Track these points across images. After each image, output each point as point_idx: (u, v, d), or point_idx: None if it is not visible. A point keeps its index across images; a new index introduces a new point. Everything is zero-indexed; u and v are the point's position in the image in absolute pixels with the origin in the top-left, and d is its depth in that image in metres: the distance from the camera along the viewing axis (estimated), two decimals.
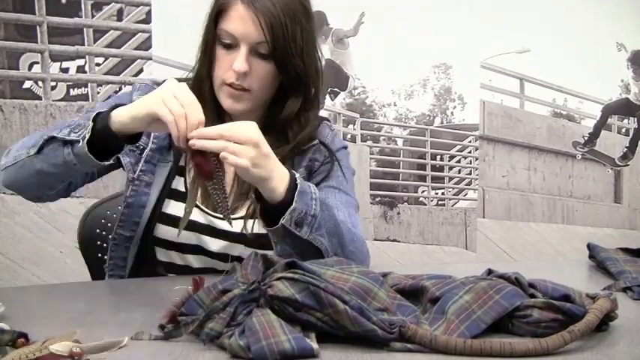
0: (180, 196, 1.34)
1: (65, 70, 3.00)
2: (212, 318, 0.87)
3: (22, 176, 1.26)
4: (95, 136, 1.12)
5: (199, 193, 1.29)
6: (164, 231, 1.33)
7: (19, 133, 2.89)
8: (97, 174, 1.33)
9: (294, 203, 1.10)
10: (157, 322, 0.92)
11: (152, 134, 1.34)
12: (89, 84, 3.02)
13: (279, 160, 1.15)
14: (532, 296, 0.93)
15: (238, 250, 1.33)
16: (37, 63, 2.96)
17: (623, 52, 3.62)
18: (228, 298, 0.88)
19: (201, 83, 1.34)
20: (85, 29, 3.00)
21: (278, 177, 1.10)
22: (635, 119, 3.73)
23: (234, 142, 1.05)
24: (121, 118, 1.12)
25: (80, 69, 3.01)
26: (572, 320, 0.86)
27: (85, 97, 3.01)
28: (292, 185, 1.12)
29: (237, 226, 1.32)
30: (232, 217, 1.33)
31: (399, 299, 0.96)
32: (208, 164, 1.06)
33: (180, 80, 1.40)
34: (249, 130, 1.08)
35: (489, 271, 1.01)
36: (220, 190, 1.07)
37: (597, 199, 3.76)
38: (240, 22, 1.26)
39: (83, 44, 3.00)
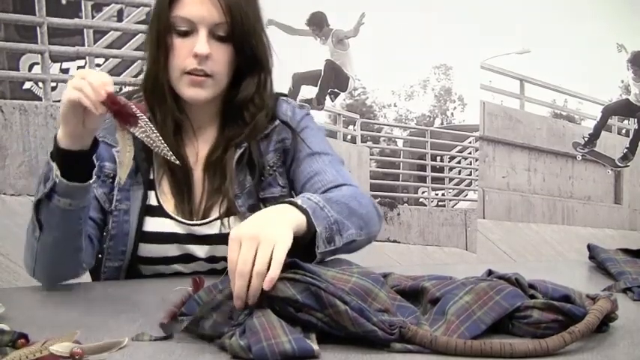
0: (155, 211, 1.33)
1: (65, 71, 3.00)
2: (211, 315, 0.88)
3: (50, 263, 1.22)
4: (64, 170, 1.11)
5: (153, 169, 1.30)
6: (147, 249, 1.32)
7: (20, 134, 2.89)
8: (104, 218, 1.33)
9: (317, 228, 1.06)
10: (157, 323, 0.92)
11: (117, 161, 1.31)
12: None
13: (239, 147, 1.19)
14: (532, 297, 0.93)
15: (223, 250, 1.32)
16: (37, 64, 2.96)
17: (623, 53, 3.62)
18: (224, 295, 0.88)
19: (156, 79, 1.32)
20: (85, 30, 3.00)
21: (290, 218, 1.03)
22: (635, 120, 3.73)
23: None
24: (59, 133, 1.10)
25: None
26: (572, 321, 0.86)
27: None
28: (303, 209, 1.06)
29: (214, 229, 1.32)
30: (208, 219, 1.33)
31: (399, 300, 0.96)
32: (129, 110, 1.03)
33: (130, 92, 1.41)
34: (244, 245, 0.93)
35: (489, 272, 1.01)
36: (152, 131, 1.04)
37: (597, 199, 3.77)
38: (196, 5, 1.25)
39: (83, 45, 3.00)
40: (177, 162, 1.10)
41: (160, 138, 1.05)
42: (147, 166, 1.34)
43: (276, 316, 0.83)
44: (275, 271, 0.87)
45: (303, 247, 1.07)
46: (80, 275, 1.30)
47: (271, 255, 0.90)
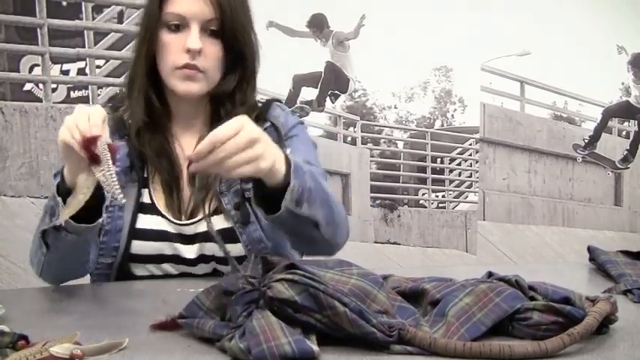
0: (148, 209, 1.33)
1: (66, 73, 3.01)
2: (211, 318, 0.88)
3: (58, 270, 1.27)
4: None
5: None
6: (138, 246, 1.32)
7: (20, 135, 2.89)
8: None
9: (292, 181, 1.08)
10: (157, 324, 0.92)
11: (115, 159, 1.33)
12: (90, 86, 3.02)
13: None
14: (532, 299, 0.93)
15: (212, 249, 1.33)
16: (37, 65, 2.96)
17: (623, 54, 3.62)
18: (224, 297, 0.88)
19: (134, 76, 1.33)
20: (85, 32, 3.01)
21: (279, 157, 1.08)
22: (636, 122, 3.73)
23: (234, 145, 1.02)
24: (65, 172, 1.10)
25: (81, 71, 3.02)
26: (572, 323, 0.86)
27: (85, 100, 3.01)
28: (287, 163, 1.10)
29: (201, 227, 1.32)
30: (195, 219, 1.33)
31: (399, 301, 0.96)
32: (95, 151, 1.04)
33: (108, 102, 1.42)
34: (245, 133, 1.03)
35: (490, 274, 1.01)
36: (109, 173, 1.04)
37: (597, 201, 3.77)
38: (189, 1, 1.27)
39: (84, 47, 3.01)
40: (124, 201, 1.07)
41: (115, 180, 1.04)
42: (141, 164, 1.34)
43: (275, 318, 0.83)
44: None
45: (264, 198, 1.10)
46: (85, 275, 1.33)
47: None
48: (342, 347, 0.84)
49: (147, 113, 1.33)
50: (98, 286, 1.35)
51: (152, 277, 1.35)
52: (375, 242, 3.37)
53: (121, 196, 1.04)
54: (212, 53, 1.29)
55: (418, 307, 0.97)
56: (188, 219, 1.34)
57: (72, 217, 1.08)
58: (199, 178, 1.34)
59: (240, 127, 1.02)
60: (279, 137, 1.38)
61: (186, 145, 1.37)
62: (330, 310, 0.83)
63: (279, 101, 1.48)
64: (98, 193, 1.10)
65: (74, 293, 1.21)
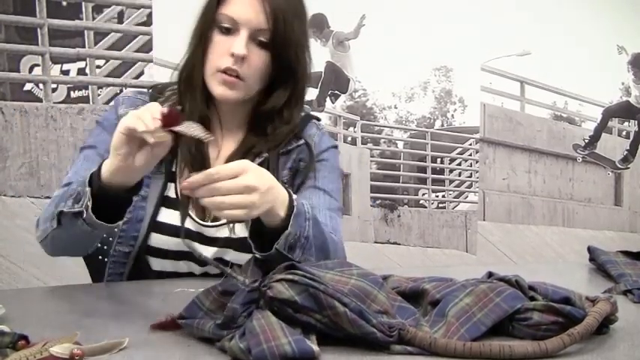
0: (171, 203, 1.33)
1: (66, 73, 3.01)
2: (211, 318, 0.88)
3: (59, 246, 1.26)
4: (97, 199, 1.09)
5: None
6: (158, 240, 1.32)
7: (20, 136, 2.89)
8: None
9: (289, 227, 1.07)
10: (156, 325, 0.92)
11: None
12: (90, 86, 3.02)
13: (259, 156, 1.18)
14: (532, 299, 0.93)
15: (229, 255, 1.33)
16: (37, 65, 2.96)
17: (623, 54, 3.62)
18: (224, 298, 0.88)
19: (193, 70, 1.33)
20: (85, 32, 3.01)
21: (279, 203, 1.07)
22: (636, 122, 3.73)
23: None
24: (106, 163, 1.07)
25: (81, 71, 3.02)
26: (572, 323, 0.86)
27: (85, 100, 3.01)
28: (290, 207, 1.09)
29: (223, 232, 1.32)
30: (217, 223, 1.33)
31: (399, 301, 0.96)
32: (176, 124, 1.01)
33: (164, 85, 1.40)
34: (243, 179, 1.00)
35: (490, 274, 1.01)
36: (192, 128, 1.02)
37: (598, 201, 3.77)
38: (244, 6, 1.26)
39: (84, 47, 3.00)
40: (211, 137, 1.05)
41: (199, 127, 1.02)
42: (171, 157, 1.34)
43: (275, 318, 0.83)
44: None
45: (257, 233, 1.09)
46: (84, 254, 1.34)
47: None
48: (342, 347, 0.84)
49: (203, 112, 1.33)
50: (98, 286, 1.36)
51: (165, 273, 1.35)
52: (375, 242, 3.37)
53: (208, 135, 1.03)
54: (256, 63, 1.28)
55: (418, 307, 0.97)
56: (212, 221, 1.34)
57: (93, 212, 1.07)
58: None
59: (241, 171, 0.99)
60: (311, 157, 1.38)
61: (224, 147, 1.38)
62: (330, 310, 0.83)
63: (318, 118, 1.48)
64: (127, 196, 1.10)
65: (74, 293, 1.21)
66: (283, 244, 1.07)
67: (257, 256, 1.09)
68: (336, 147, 1.47)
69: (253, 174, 1.01)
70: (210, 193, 0.97)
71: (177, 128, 1.01)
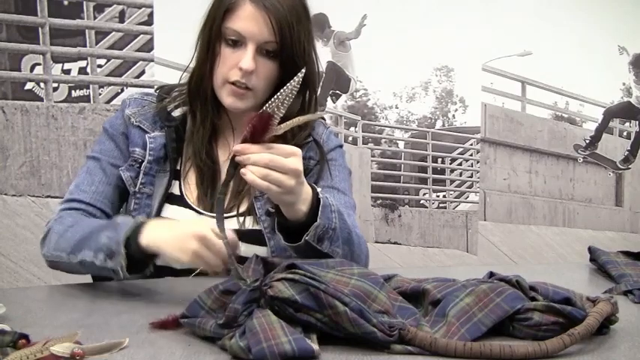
0: (175, 200, 1.35)
1: (67, 72, 3.01)
2: (212, 316, 0.88)
3: (68, 271, 1.29)
4: (128, 255, 1.13)
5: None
6: None
7: (21, 135, 2.89)
8: None
9: (318, 219, 1.10)
10: (156, 325, 0.92)
11: (148, 147, 1.36)
12: (91, 85, 3.02)
13: None
14: (533, 299, 0.93)
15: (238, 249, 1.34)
16: (39, 64, 2.96)
17: (624, 55, 3.62)
18: (225, 296, 0.88)
19: (201, 81, 1.34)
20: (87, 31, 3.01)
21: (302, 198, 1.10)
22: (637, 122, 3.73)
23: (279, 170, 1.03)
24: (154, 238, 1.11)
25: (82, 70, 3.02)
26: (572, 323, 0.87)
27: (86, 99, 3.01)
28: (314, 201, 1.11)
29: (232, 224, 1.33)
30: (226, 215, 1.34)
31: (400, 301, 0.96)
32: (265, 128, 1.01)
33: (170, 86, 1.42)
34: (295, 161, 1.04)
35: (491, 274, 1.01)
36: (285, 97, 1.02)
37: (598, 202, 3.76)
38: (249, 21, 1.27)
39: (85, 46, 3.00)
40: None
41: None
42: (176, 156, 1.37)
43: (276, 317, 0.83)
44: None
45: (284, 228, 1.12)
46: None
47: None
48: (342, 347, 0.84)
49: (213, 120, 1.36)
50: (99, 285, 1.36)
51: (165, 268, 1.36)
52: (376, 242, 3.37)
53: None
54: (265, 73, 1.30)
55: (419, 307, 0.97)
56: None
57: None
58: (236, 179, 1.34)
59: (294, 154, 1.04)
60: (322, 154, 1.40)
61: (233, 145, 1.38)
62: (330, 309, 0.83)
63: (323, 118, 1.52)
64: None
65: (75, 292, 1.21)
66: (313, 236, 1.10)
67: (288, 246, 1.13)
68: (341, 146, 1.50)
69: (300, 162, 1.05)
70: (262, 162, 1.00)
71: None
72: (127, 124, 1.39)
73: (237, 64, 1.28)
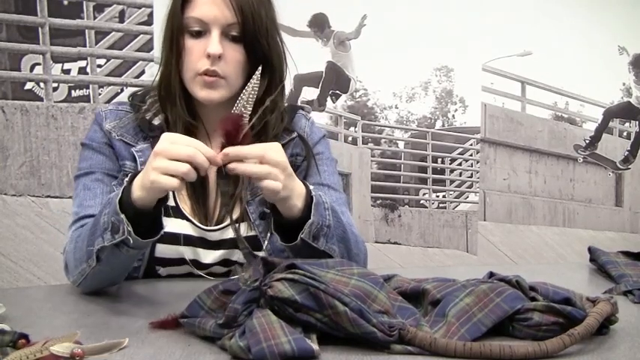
0: (171, 212, 1.32)
1: (67, 72, 3.01)
2: (212, 316, 0.88)
3: (98, 280, 1.21)
4: (132, 221, 1.06)
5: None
6: (161, 249, 1.32)
7: (21, 135, 2.90)
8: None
9: (312, 217, 1.10)
10: (155, 325, 0.92)
11: (138, 160, 1.32)
12: (91, 85, 3.02)
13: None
14: (533, 299, 0.93)
15: (235, 256, 1.33)
16: (38, 64, 2.96)
17: (624, 55, 3.62)
18: (225, 297, 0.88)
19: (169, 82, 1.32)
20: (86, 31, 3.01)
21: (297, 194, 1.09)
22: (637, 123, 3.73)
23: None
24: (137, 186, 1.05)
25: (82, 70, 3.02)
26: (572, 323, 0.86)
27: (86, 99, 3.01)
28: (308, 198, 1.11)
29: (228, 233, 1.32)
30: (221, 226, 1.34)
31: (400, 301, 0.96)
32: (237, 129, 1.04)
33: (144, 92, 1.40)
34: (279, 153, 1.05)
35: (491, 274, 1.01)
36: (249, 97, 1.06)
37: (598, 202, 3.76)
38: (210, 6, 1.26)
39: (85, 46, 3.01)
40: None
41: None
42: None
43: (276, 317, 0.83)
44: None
45: (279, 226, 1.12)
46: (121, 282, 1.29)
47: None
48: (342, 347, 0.84)
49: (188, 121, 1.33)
50: None
51: (168, 276, 1.35)
52: (376, 242, 3.37)
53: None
54: (233, 58, 1.28)
55: (419, 307, 0.97)
56: (214, 225, 1.34)
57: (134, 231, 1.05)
58: (222, 183, 1.33)
59: (270, 147, 1.05)
60: (307, 149, 1.39)
61: (213, 150, 1.37)
62: (330, 309, 0.83)
63: (302, 108, 1.48)
64: (159, 206, 1.08)
65: (75, 292, 1.21)
66: (308, 233, 1.10)
67: (285, 247, 1.13)
68: (325, 136, 1.47)
69: (282, 153, 1.06)
70: (248, 153, 1.02)
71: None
72: (109, 137, 1.35)
73: (205, 53, 1.26)
